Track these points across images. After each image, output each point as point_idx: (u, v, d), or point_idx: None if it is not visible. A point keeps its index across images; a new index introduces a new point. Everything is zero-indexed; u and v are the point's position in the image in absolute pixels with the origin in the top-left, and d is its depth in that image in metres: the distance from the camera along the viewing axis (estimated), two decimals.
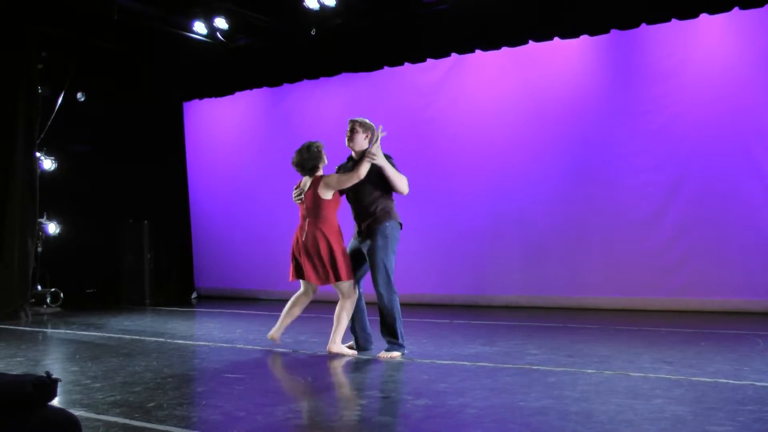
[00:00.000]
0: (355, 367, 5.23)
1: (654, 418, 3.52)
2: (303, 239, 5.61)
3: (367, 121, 5.68)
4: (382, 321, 5.61)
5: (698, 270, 7.98)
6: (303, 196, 5.70)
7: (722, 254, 7.86)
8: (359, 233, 5.70)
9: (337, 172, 5.76)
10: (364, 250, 5.64)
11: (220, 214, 11.39)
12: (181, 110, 11.65)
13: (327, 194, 5.59)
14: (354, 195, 5.67)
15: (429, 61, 9.07)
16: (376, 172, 5.54)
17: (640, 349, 5.63)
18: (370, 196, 5.59)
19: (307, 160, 5.66)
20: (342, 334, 5.64)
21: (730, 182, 7.84)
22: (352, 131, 5.59)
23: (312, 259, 5.56)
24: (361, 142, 5.59)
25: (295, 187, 5.84)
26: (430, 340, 6.39)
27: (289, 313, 5.87)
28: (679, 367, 4.84)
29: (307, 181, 5.74)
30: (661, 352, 5.47)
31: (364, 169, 5.47)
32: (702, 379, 4.44)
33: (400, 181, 5.59)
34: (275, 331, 5.89)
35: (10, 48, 8.97)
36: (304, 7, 8.61)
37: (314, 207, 5.61)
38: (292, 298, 5.89)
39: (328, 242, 5.51)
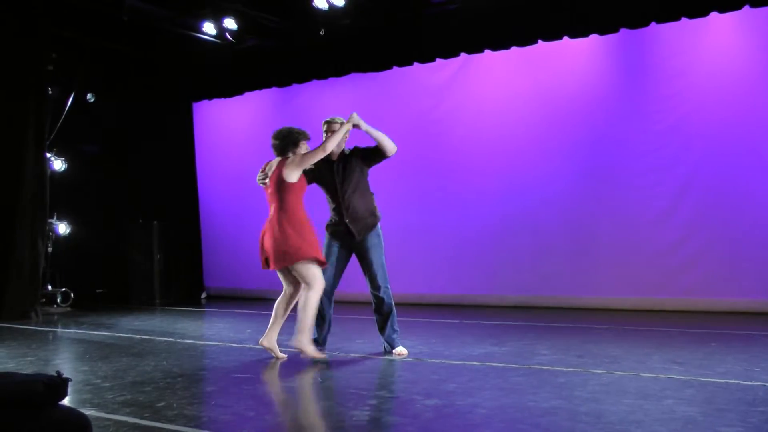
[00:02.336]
0: (364, 367, 5.23)
1: (664, 419, 3.50)
2: (266, 227, 5.34)
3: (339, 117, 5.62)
4: (386, 318, 5.63)
5: (708, 270, 7.94)
6: (268, 180, 5.37)
7: (732, 254, 7.82)
8: (347, 233, 5.55)
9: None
10: (345, 252, 5.62)
11: (229, 214, 11.40)
12: (191, 111, 11.68)
13: (292, 176, 5.23)
14: (342, 195, 5.50)
15: (438, 61, 9.06)
16: (360, 170, 5.52)
17: (650, 349, 5.61)
18: (366, 197, 5.58)
19: (282, 140, 5.35)
20: (307, 331, 5.32)
21: (740, 182, 7.80)
22: (333, 131, 5.43)
23: (274, 244, 5.26)
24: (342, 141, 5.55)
25: (260, 169, 5.52)
26: (439, 340, 6.38)
27: (276, 318, 5.56)
28: (690, 367, 4.82)
29: (274, 163, 5.39)
30: (671, 352, 5.44)
31: (331, 143, 5.27)
32: (712, 379, 4.42)
33: (386, 139, 5.45)
34: (265, 338, 5.59)
35: (20, 49, 9.00)
36: (312, 7, 8.63)
37: (278, 191, 5.26)
38: (276, 303, 5.63)
39: (291, 229, 5.21)
